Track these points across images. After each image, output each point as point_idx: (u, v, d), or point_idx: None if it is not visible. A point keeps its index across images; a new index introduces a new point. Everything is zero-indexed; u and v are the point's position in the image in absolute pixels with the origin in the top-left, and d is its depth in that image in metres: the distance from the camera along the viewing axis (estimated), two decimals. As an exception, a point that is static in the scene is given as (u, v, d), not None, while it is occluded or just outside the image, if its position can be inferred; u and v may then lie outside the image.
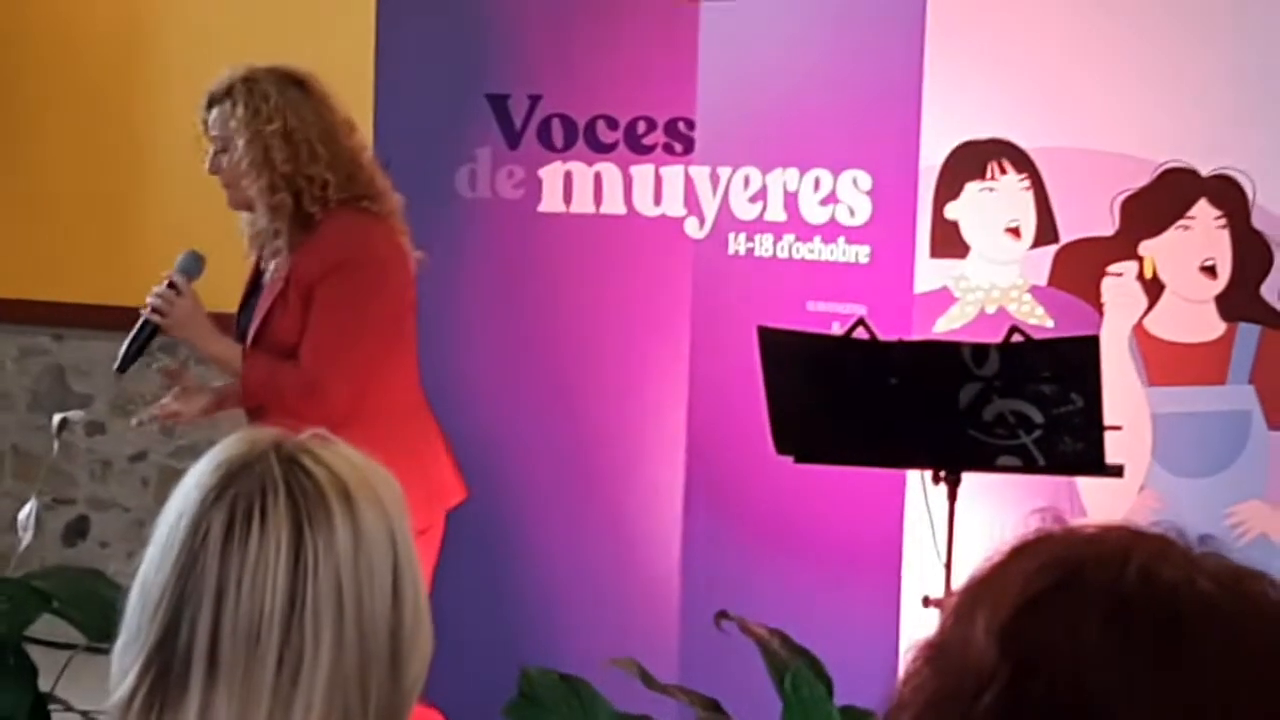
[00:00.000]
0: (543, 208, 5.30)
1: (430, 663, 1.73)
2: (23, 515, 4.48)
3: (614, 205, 5.28)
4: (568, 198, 5.31)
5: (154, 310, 4.36)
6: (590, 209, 5.30)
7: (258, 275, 4.59)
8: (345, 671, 1.63)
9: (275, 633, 1.62)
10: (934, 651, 1.19)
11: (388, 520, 1.70)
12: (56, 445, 4.84)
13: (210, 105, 4.42)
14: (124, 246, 6.65)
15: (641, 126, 5.25)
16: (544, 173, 5.31)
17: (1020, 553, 1.20)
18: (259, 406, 4.38)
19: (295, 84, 4.43)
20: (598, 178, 5.30)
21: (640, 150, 5.25)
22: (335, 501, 1.67)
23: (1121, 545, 1.18)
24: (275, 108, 4.36)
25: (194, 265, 4.45)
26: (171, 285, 4.38)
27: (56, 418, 4.70)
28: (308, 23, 6.03)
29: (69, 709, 4.15)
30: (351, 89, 5.66)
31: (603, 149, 5.29)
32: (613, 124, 5.29)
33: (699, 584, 5.22)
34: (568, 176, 5.31)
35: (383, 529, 1.69)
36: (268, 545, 1.64)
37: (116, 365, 4.41)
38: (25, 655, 4.19)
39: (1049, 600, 1.15)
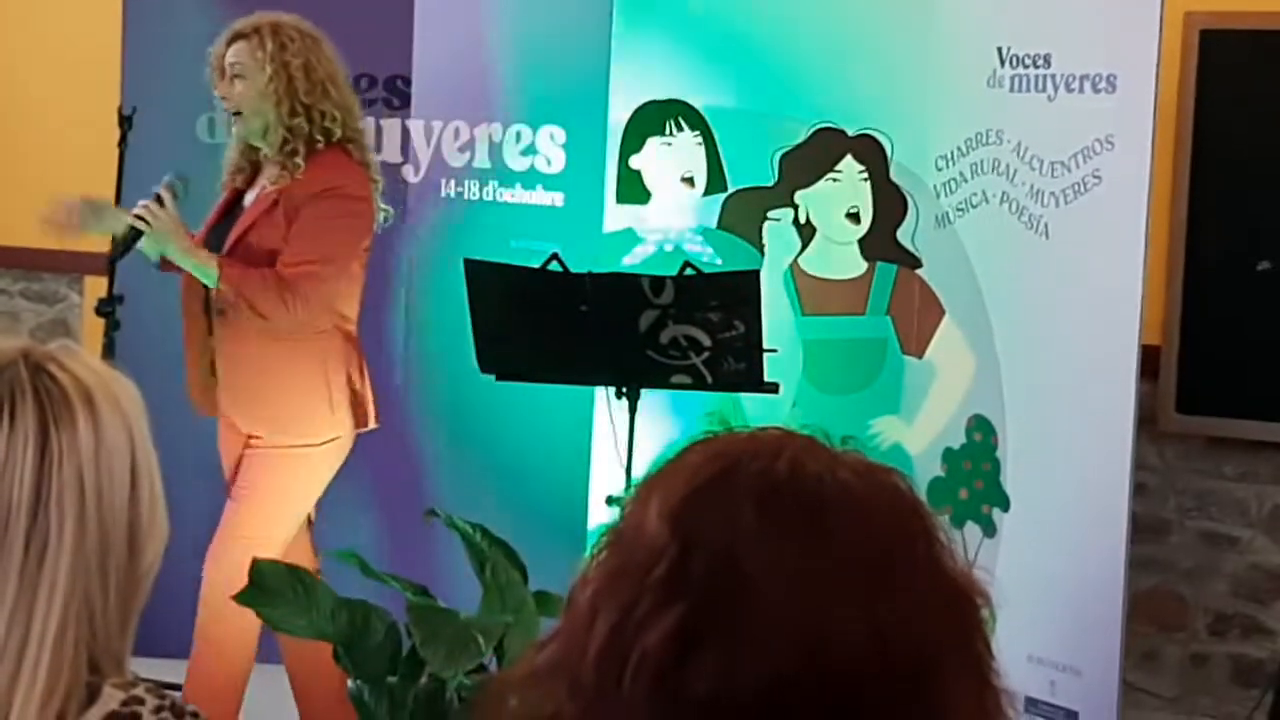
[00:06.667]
0: (274, 152, 5.19)
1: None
2: None
3: (339, 151, 5.19)
4: (297, 144, 5.21)
5: (139, 218, 4.24)
6: (318, 154, 5.20)
7: (231, 203, 4.46)
8: (87, 555, 1.60)
9: (23, 520, 1.59)
10: (615, 535, 1.20)
11: (127, 422, 1.66)
12: None
13: (233, 41, 4.35)
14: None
15: (364, 83, 5.18)
16: (276, 121, 5.21)
17: (690, 449, 1.21)
18: (220, 310, 4.28)
19: (312, 34, 4.37)
20: (325, 127, 5.21)
21: (362, 104, 5.17)
22: (79, 404, 1.63)
23: (774, 442, 1.19)
24: (298, 47, 4.30)
25: (177, 184, 4.33)
26: (157, 199, 4.27)
27: None
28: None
29: None
30: (103, 42, 5.51)
31: (329, 101, 5.21)
32: (338, 79, 5.21)
33: (406, 484, 5.21)
34: (298, 125, 5.22)
35: (122, 430, 1.65)
36: (15, 442, 1.60)
37: (109, 258, 4.33)
38: None
39: (711, 487, 1.16)
